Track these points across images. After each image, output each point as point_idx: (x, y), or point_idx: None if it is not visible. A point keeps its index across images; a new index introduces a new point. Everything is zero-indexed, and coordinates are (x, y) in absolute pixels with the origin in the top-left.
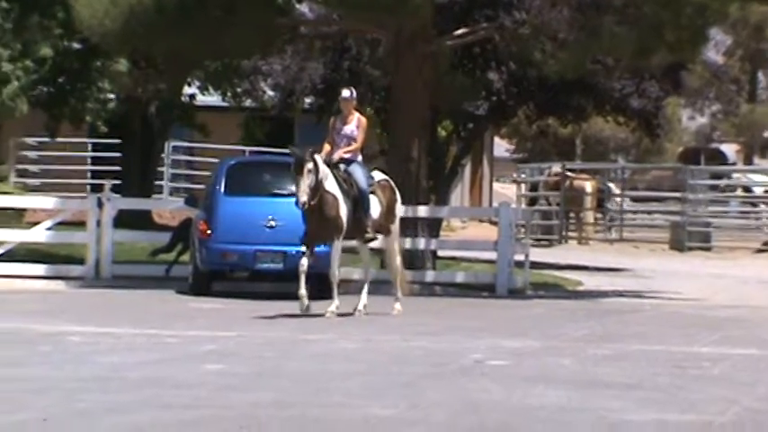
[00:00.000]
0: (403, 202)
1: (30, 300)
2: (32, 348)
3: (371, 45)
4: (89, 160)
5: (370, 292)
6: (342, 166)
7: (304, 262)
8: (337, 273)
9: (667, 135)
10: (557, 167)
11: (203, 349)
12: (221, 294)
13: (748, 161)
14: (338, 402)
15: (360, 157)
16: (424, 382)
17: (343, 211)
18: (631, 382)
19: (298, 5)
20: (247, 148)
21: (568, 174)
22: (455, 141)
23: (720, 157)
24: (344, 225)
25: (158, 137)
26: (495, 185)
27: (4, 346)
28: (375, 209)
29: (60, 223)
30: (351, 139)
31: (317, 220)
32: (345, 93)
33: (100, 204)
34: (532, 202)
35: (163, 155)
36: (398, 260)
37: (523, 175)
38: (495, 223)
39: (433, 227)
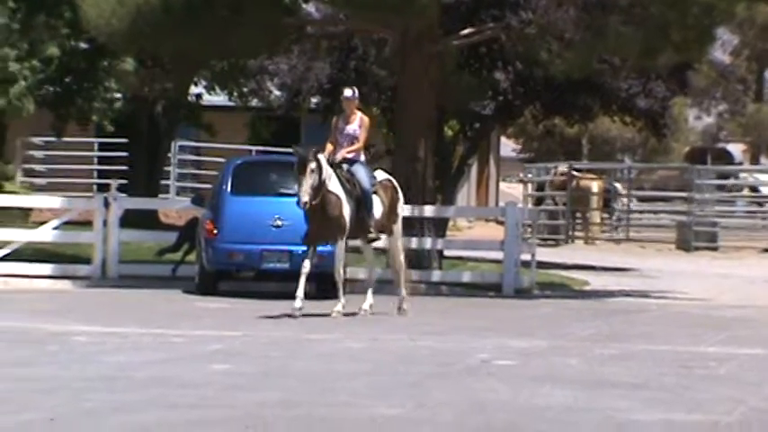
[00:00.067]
0: (409, 202)
1: (36, 299)
2: (39, 348)
3: (378, 45)
4: (95, 160)
5: (375, 292)
6: (345, 166)
7: (307, 264)
8: (342, 272)
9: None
10: (563, 167)
11: (210, 349)
12: (228, 294)
13: (755, 161)
14: (344, 402)
15: (363, 157)
16: (430, 382)
17: (346, 211)
18: (638, 382)
19: (304, 5)
20: (254, 148)
21: (575, 173)
22: (461, 141)
23: (727, 157)
24: (347, 225)
25: (165, 136)
26: (502, 185)
27: (12, 346)
28: (377, 209)
29: (67, 223)
30: (353, 138)
31: (320, 219)
32: (347, 92)
33: (106, 204)
34: (539, 201)
35: (169, 154)
36: (401, 259)
37: (530, 175)
38: (501, 223)
39: (439, 226)
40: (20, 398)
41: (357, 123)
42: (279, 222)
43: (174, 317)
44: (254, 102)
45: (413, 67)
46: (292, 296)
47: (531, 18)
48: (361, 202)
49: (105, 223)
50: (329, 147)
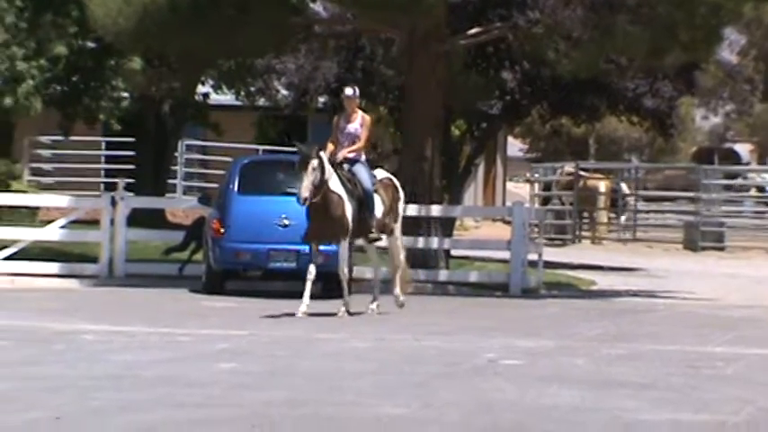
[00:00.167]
0: (416, 202)
1: (43, 298)
2: (46, 347)
3: (385, 44)
4: (103, 159)
5: (381, 292)
6: (345, 166)
7: (312, 270)
8: (346, 272)
9: (681, 135)
10: (569, 167)
11: (216, 348)
12: (234, 293)
13: (762, 161)
14: (351, 401)
15: (363, 157)
16: (436, 382)
17: (349, 211)
18: (645, 382)
19: (312, 4)
20: (261, 147)
21: (582, 173)
22: (468, 141)
23: (734, 157)
24: (350, 225)
25: (172, 135)
26: (509, 185)
27: (19, 345)
28: (378, 208)
29: (74, 222)
30: (354, 137)
31: (322, 219)
32: (349, 91)
33: (113, 203)
34: (546, 201)
35: (176, 153)
36: (401, 258)
37: (537, 175)
38: (508, 223)
39: (446, 226)
40: (26, 396)
41: (358, 122)
42: (286, 222)
43: (181, 316)
44: (262, 101)
45: (420, 66)
46: (299, 295)
47: (538, 18)
48: (363, 202)
49: (112, 222)
50: (330, 146)
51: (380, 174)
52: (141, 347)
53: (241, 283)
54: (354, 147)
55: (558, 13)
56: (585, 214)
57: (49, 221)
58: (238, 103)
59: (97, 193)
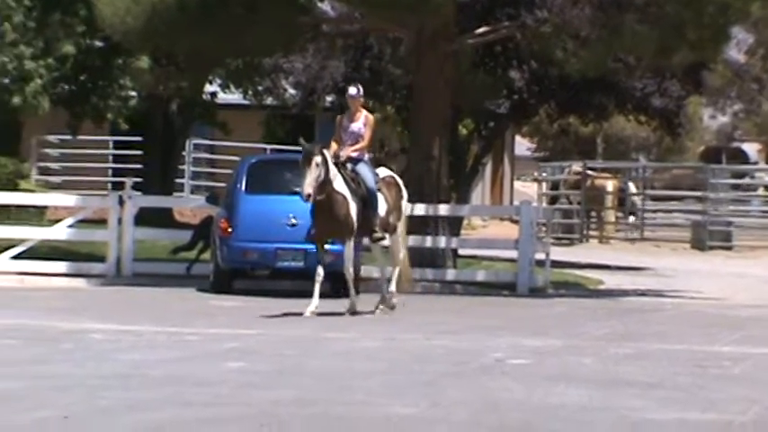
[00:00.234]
0: (424, 201)
1: (51, 297)
2: (54, 346)
3: (393, 44)
4: (110, 158)
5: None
6: (349, 166)
7: (320, 272)
8: (351, 271)
9: (689, 134)
10: (576, 166)
11: (224, 347)
12: (242, 292)
13: None
14: (360, 401)
15: (366, 156)
16: (445, 381)
17: (353, 210)
18: (652, 382)
19: (320, 4)
20: (268, 147)
21: (590, 172)
22: (476, 140)
23: (742, 156)
24: (355, 225)
25: (179, 135)
26: (516, 184)
27: (27, 344)
28: (382, 207)
29: (82, 221)
30: (358, 136)
31: (327, 218)
32: (352, 90)
33: (121, 202)
34: (553, 200)
35: (184, 153)
36: (400, 257)
37: (544, 174)
38: (516, 222)
39: (453, 225)
40: (35, 395)
41: (362, 122)
42: (293, 221)
43: (189, 315)
44: (269, 100)
45: (428, 65)
46: (307, 294)
47: (546, 17)
48: (367, 202)
49: (120, 221)
50: (333, 145)
51: (383, 172)
52: (149, 346)
53: (249, 282)
54: (358, 146)
55: (566, 13)
56: (593, 213)
57: (57, 220)
58: (246, 102)
59: (105, 192)
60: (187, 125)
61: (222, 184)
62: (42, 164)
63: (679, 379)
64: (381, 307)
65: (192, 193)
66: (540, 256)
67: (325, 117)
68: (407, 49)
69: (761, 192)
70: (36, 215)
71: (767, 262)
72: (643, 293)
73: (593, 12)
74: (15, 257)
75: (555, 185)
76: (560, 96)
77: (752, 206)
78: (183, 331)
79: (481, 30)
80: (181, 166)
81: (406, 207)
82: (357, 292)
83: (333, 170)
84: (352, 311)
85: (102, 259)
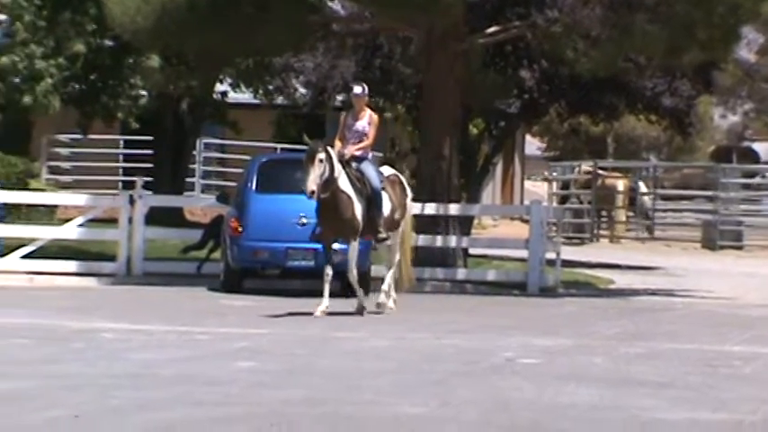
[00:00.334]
0: (434, 200)
1: (62, 296)
2: (65, 345)
3: (403, 43)
4: (121, 157)
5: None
6: (354, 165)
7: (329, 271)
8: (355, 272)
9: (699, 133)
10: (587, 165)
11: (235, 346)
12: (252, 291)
13: None
14: (369, 400)
15: (370, 155)
16: (455, 380)
17: (358, 210)
18: (663, 381)
19: (330, 3)
20: (279, 146)
21: (600, 172)
22: (487, 139)
23: (752, 156)
24: (360, 226)
25: (190, 134)
26: (527, 183)
27: (38, 343)
28: (386, 206)
29: (92, 220)
30: (362, 135)
31: (332, 218)
32: (357, 89)
33: (131, 201)
34: (564, 200)
35: (194, 152)
36: (397, 257)
37: (555, 174)
38: (526, 221)
39: (464, 225)
40: (46, 395)
41: (366, 120)
42: (304, 220)
43: (199, 314)
44: (280, 99)
45: (438, 65)
46: (317, 294)
47: (556, 16)
48: (372, 202)
49: (130, 221)
50: (337, 143)
51: (387, 170)
52: (160, 346)
53: (259, 281)
54: (362, 144)
55: (576, 12)
56: (603, 213)
57: (67, 220)
58: (256, 101)
59: (115, 191)
60: (198, 124)
61: (233, 184)
62: (53, 163)
63: (690, 378)
64: (391, 305)
65: (202, 192)
66: (551, 255)
67: (335, 116)
68: (418, 48)
69: None
70: (46, 214)
71: None
72: (654, 293)
73: (604, 11)
74: (26, 257)
75: (565, 185)
76: (571, 96)
77: (763, 205)
78: (193, 330)
79: (491, 29)
80: (191, 166)
81: (411, 206)
82: (367, 292)
83: (337, 168)
84: (360, 311)
85: (112, 258)
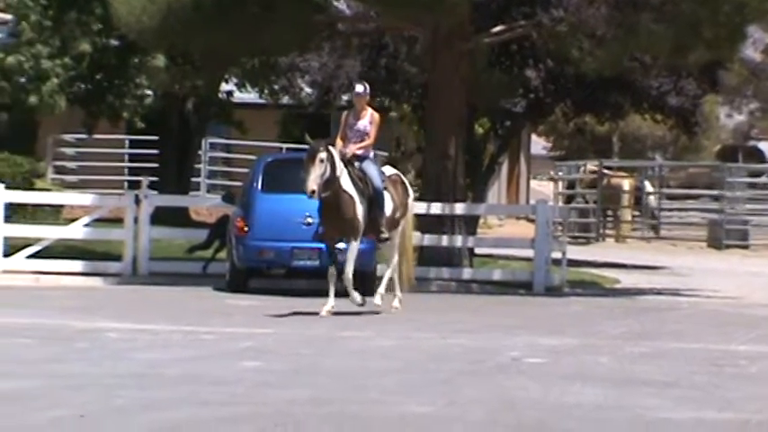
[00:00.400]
0: (440, 200)
1: (67, 296)
2: (70, 345)
3: (409, 42)
4: (126, 157)
5: (389, 289)
6: (356, 164)
7: (333, 271)
8: (352, 273)
9: (705, 133)
10: (592, 165)
11: (240, 346)
12: (258, 291)
13: None
14: (375, 399)
15: (372, 154)
16: (461, 380)
17: (360, 211)
18: (669, 381)
19: (335, 2)
20: (284, 146)
21: (606, 171)
22: (492, 139)
23: (758, 155)
24: (362, 225)
25: (195, 134)
26: (533, 183)
27: (43, 343)
28: (388, 206)
29: (98, 220)
30: (363, 134)
31: (334, 217)
32: (359, 88)
33: (137, 201)
34: (569, 199)
35: (200, 152)
36: (396, 257)
37: (560, 173)
38: (532, 221)
39: (470, 224)
40: (50, 394)
41: (367, 119)
42: (309, 220)
43: (205, 314)
44: (285, 99)
45: (444, 64)
46: (323, 293)
47: (562, 16)
48: (374, 202)
49: (136, 220)
50: (339, 142)
51: (388, 170)
52: (165, 346)
53: (265, 281)
54: (363, 143)
55: (582, 12)
56: (609, 212)
57: (73, 220)
58: (262, 101)
59: (121, 191)
60: (203, 124)
61: (238, 184)
62: (58, 163)
63: (695, 378)
64: (396, 305)
65: (208, 192)
66: (557, 254)
67: (340, 116)
68: (423, 47)
69: None
70: (52, 214)
71: None
72: (659, 292)
73: (609, 11)
74: (31, 256)
75: (571, 184)
76: (576, 95)
77: None
78: (198, 330)
79: (497, 29)
80: (197, 165)
81: (412, 206)
82: (372, 292)
83: (339, 167)
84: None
85: (118, 258)
